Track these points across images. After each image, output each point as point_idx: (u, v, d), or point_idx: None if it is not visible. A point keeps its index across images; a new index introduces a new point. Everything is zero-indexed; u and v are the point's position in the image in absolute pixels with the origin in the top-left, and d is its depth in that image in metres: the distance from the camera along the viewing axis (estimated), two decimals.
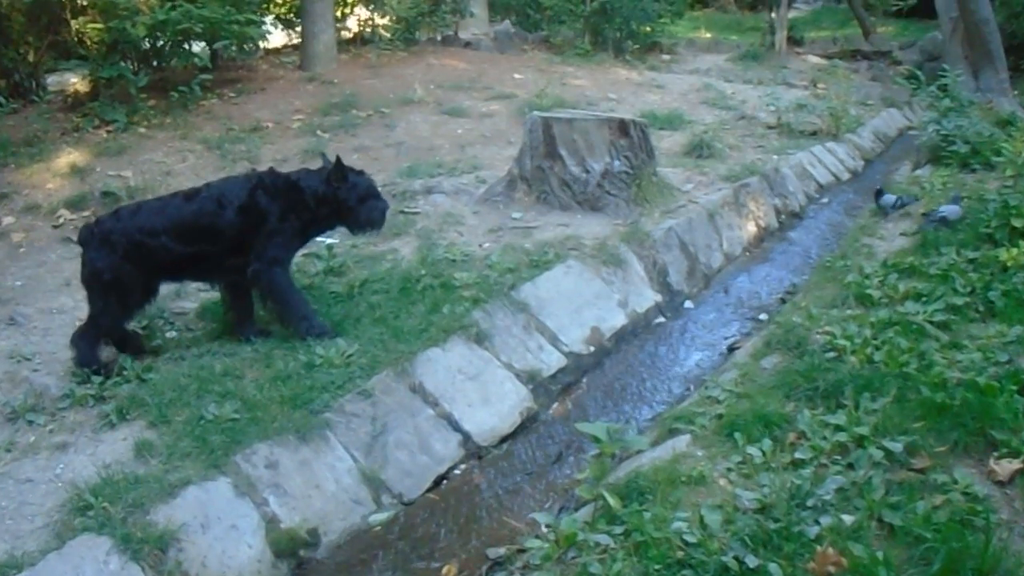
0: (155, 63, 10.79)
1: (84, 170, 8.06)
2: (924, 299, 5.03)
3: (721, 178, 7.88)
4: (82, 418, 4.20)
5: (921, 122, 10.19)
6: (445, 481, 4.16)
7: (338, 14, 14.18)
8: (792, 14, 20.38)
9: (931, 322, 4.70)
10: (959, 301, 4.92)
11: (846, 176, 9.68)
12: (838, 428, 3.66)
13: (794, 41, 18.08)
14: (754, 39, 18.33)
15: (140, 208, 4.83)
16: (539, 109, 9.13)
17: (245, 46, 12.09)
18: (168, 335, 5.18)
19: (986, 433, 3.50)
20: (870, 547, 2.92)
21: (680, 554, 2.92)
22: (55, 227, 7.03)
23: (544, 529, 3.30)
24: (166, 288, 5.15)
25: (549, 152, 6.86)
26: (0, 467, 3.81)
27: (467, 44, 15.33)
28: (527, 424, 4.61)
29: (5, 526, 3.43)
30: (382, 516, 3.85)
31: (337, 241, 6.01)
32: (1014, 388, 3.71)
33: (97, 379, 4.44)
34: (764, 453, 3.58)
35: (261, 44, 13.61)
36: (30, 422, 4.16)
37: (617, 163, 6.81)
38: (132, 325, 4.98)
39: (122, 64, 9.93)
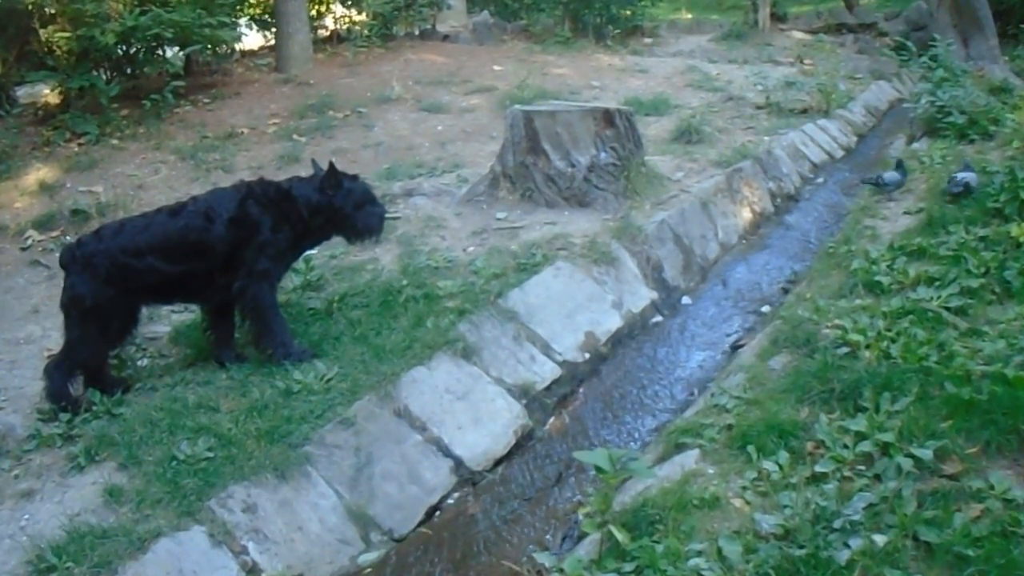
0: (128, 71, 10.54)
1: (53, 187, 7.80)
2: (937, 283, 4.82)
3: (712, 164, 7.64)
4: (49, 460, 3.94)
5: (914, 94, 9.97)
6: (438, 513, 3.89)
7: (314, 13, 13.97)
8: None
9: (947, 308, 4.50)
10: (974, 283, 4.72)
11: (840, 153, 9.44)
12: (860, 435, 3.43)
13: (777, 17, 17.86)
14: (736, 18, 18.08)
15: (123, 227, 4.53)
16: (520, 101, 8.90)
17: (218, 49, 11.82)
18: (140, 363, 4.91)
19: (1019, 430, 3.30)
20: (907, 571, 2.71)
21: None
22: (23, 249, 6.75)
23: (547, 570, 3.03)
24: None
25: (532, 147, 6.57)
26: None
27: (445, 37, 15.12)
28: (522, 443, 4.34)
29: None
30: (372, 556, 3.58)
31: (315, 252, 5.73)
32: None
33: (65, 416, 4.18)
34: (781, 468, 3.34)
35: (236, 47, 13.35)
36: None
37: (604, 155, 6.53)
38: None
39: (93, 73, 9.70)
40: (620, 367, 5.07)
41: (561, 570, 2.91)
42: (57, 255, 6.25)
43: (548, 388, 4.73)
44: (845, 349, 4.18)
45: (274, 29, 12.97)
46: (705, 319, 5.64)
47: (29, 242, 6.83)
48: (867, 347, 4.12)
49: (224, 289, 4.56)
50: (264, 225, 4.53)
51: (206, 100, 10.55)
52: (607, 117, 6.57)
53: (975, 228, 5.51)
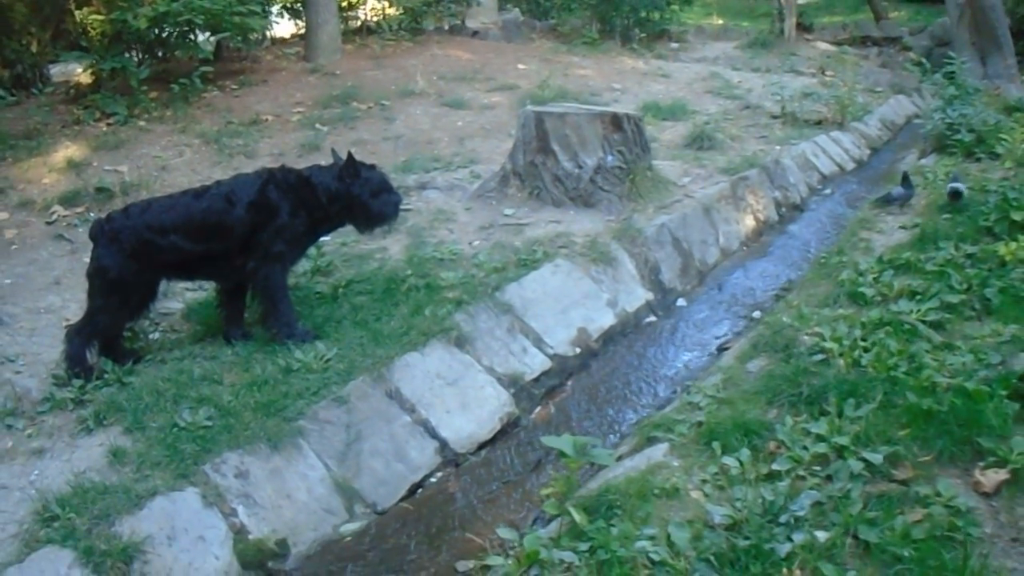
0: (159, 54, 10.77)
1: (80, 164, 8.05)
2: (918, 297, 4.94)
3: (720, 171, 7.75)
4: (61, 422, 4.17)
5: (927, 110, 10.02)
6: (420, 490, 4.08)
7: (346, 3, 14.11)
8: (804, 0, 20.14)
9: (924, 321, 4.61)
10: (954, 299, 4.83)
11: (851, 166, 9.51)
12: (819, 437, 3.57)
13: (803, 27, 17.84)
14: (765, 25, 18.09)
15: (150, 205, 4.76)
16: (540, 101, 9.05)
17: (249, 37, 12.02)
18: (152, 336, 5.14)
19: (973, 441, 3.41)
20: (843, 567, 2.83)
21: (645, 573, 2.84)
22: (48, 223, 7.00)
23: (508, 545, 3.23)
24: None
25: (542, 147, 6.76)
26: None
27: (474, 33, 15.22)
28: (507, 430, 4.52)
29: None
30: (354, 526, 3.78)
31: (328, 239, 5.94)
32: (1004, 393, 3.61)
33: (77, 382, 4.41)
34: (741, 464, 3.49)
35: (267, 34, 13.54)
36: (9, 426, 4.13)
37: (610, 158, 6.70)
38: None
39: (125, 56, 9.92)
40: (609, 363, 5.23)
41: (521, 545, 3.10)
42: (81, 231, 6.52)
43: (537, 379, 4.90)
44: (820, 356, 4.31)
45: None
46: (697, 321, 5.77)
47: (54, 217, 7.06)
48: (840, 355, 4.26)
49: (240, 270, 4.76)
50: (283, 209, 4.73)
51: (233, 86, 10.76)
52: (615, 121, 6.73)
53: (965, 245, 5.62)
